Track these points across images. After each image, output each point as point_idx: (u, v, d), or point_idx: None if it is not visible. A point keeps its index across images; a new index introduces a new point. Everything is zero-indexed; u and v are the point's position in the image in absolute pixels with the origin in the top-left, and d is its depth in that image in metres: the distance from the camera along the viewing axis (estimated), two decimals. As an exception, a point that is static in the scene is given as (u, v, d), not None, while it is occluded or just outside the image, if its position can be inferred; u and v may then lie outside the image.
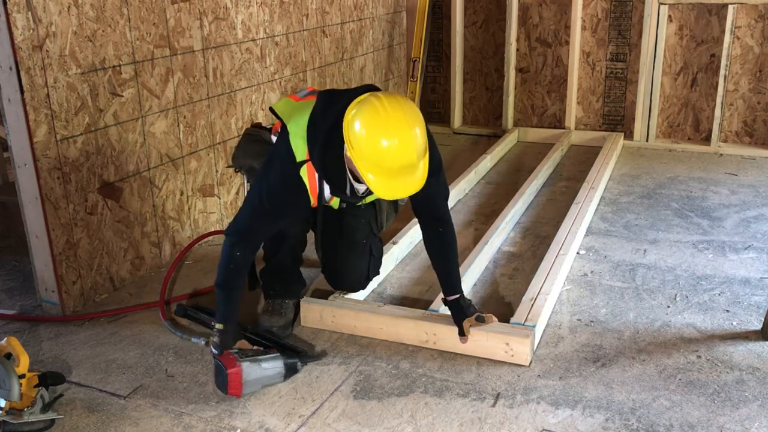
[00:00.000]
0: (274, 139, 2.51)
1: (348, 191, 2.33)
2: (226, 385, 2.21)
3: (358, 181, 2.25)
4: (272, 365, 2.29)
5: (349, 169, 2.21)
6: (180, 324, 2.74)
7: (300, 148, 2.23)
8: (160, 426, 2.14)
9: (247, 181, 2.69)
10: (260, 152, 2.54)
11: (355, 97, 2.14)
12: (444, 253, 2.49)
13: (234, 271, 2.36)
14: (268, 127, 2.70)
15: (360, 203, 2.56)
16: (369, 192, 2.34)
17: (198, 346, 2.57)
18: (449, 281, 2.50)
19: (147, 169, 3.12)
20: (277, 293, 2.69)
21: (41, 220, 2.68)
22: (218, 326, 2.33)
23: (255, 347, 2.38)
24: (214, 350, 2.32)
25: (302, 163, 2.23)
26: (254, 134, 2.66)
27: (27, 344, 2.56)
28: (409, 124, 2.03)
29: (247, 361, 2.23)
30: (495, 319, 2.49)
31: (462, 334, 2.43)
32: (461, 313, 2.45)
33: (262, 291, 2.76)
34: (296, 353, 2.43)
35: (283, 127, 2.32)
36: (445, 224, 2.48)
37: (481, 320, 2.45)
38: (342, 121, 2.11)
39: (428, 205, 2.44)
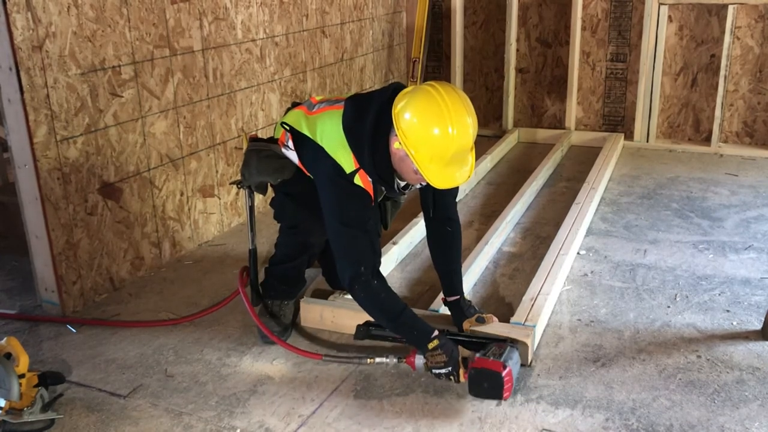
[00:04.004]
0: (285, 152, 2.44)
1: (396, 187, 2.33)
2: (501, 389, 2.10)
3: (398, 176, 2.27)
4: (517, 358, 2.21)
5: (393, 163, 2.21)
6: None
7: (345, 159, 2.22)
8: (159, 426, 2.14)
9: (249, 196, 2.60)
10: (277, 168, 2.46)
11: (385, 97, 2.18)
12: (449, 253, 2.49)
13: (386, 299, 2.26)
14: (267, 138, 2.62)
15: (397, 198, 2.59)
16: (407, 186, 2.36)
17: (387, 365, 2.37)
18: (451, 282, 2.50)
19: (147, 170, 3.12)
20: (277, 295, 2.69)
21: (41, 220, 2.68)
22: (432, 344, 2.17)
23: (471, 350, 2.25)
24: (443, 370, 2.17)
25: (354, 172, 2.22)
26: (263, 149, 2.51)
27: (27, 344, 2.56)
28: (467, 112, 2.09)
29: (507, 359, 2.13)
30: (495, 319, 2.49)
31: (462, 334, 2.43)
32: (461, 314, 2.45)
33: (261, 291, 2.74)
34: (503, 341, 2.28)
35: (310, 143, 2.30)
36: (454, 224, 2.49)
37: (481, 321, 2.45)
38: (381, 121, 2.14)
39: (442, 204, 2.45)
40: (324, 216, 2.30)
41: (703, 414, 2.13)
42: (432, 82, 2.14)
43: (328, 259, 2.73)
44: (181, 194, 3.35)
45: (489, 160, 4.60)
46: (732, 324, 2.65)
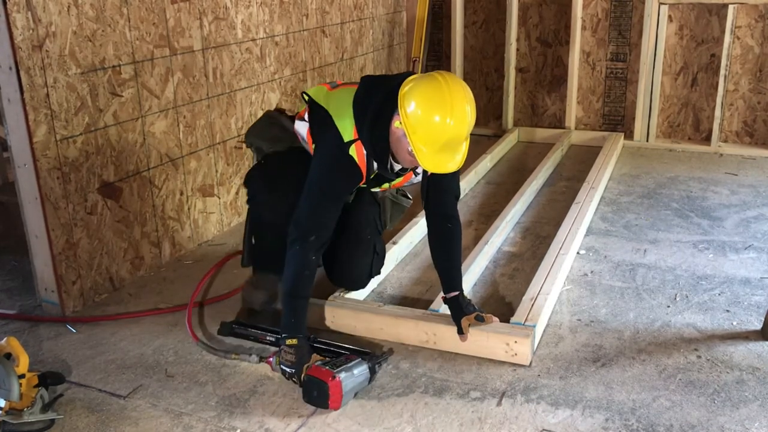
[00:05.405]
0: (298, 124, 2.56)
1: (389, 168, 2.42)
2: (327, 399, 2.13)
3: (394, 158, 2.37)
4: (361, 371, 2.22)
5: (391, 142, 2.31)
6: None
7: (347, 129, 2.32)
8: (159, 426, 2.14)
9: (256, 159, 2.72)
10: (275, 137, 2.63)
11: (397, 82, 2.28)
12: (449, 250, 2.53)
13: (308, 278, 2.35)
14: (290, 114, 2.76)
15: (379, 187, 2.65)
16: (402, 170, 2.47)
17: (249, 362, 2.44)
18: (450, 278, 2.51)
19: (147, 169, 3.12)
20: (266, 268, 2.69)
21: (41, 220, 2.68)
22: (290, 341, 2.26)
23: (325, 357, 2.28)
24: (288, 369, 2.24)
25: (351, 142, 2.32)
26: (274, 117, 2.71)
27: (27, 344, 2.56)
28: (468, 103, 2.19)
29: (342, 371, 2.16)
30: (495, 319, 2.49)
31: (461, 332, 2.42)
32: (460, 311, 2.45)
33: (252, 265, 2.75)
34: (365, 355, 2.35)
35: (321, 111, 2.40)
36: (454, 221, 2.54)
37: (480, 320, 2.45)
38: (388, 100, 2.25)
39: (442, 201, 2.51)
40: (308, 178, 2.38)
41: (703, 414, 2.13)
42: (440, 71, 2.25)
43: (333, 255, 2.73)
44: (181, 194, 3.34)
45: (489, 160, 4.60)
46: (732, 324, 2.65)
